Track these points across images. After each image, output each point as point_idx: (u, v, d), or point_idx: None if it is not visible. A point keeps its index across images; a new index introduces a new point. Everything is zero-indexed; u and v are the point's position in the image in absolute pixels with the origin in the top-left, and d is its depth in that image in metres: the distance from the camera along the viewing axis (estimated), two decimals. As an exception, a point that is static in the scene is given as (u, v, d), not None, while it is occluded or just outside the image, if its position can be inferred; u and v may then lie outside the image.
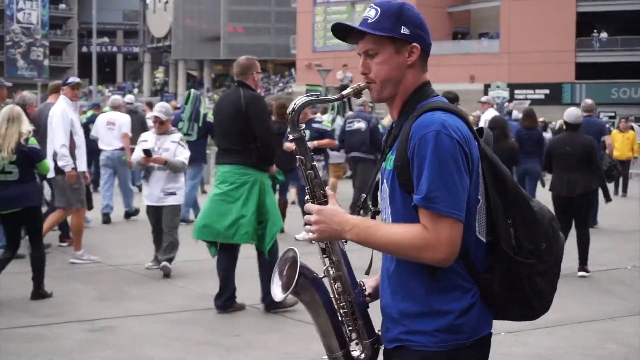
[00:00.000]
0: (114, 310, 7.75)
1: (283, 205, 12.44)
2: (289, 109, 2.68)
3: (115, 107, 14.11)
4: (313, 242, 2.68)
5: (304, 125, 2.70)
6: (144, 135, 9.72)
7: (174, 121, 14.84)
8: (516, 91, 44.96)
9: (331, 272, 2.71)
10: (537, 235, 2.64)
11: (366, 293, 2.77)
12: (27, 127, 7.99)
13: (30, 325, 7.21)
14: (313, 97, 2.74)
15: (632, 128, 20.67)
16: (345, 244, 2.72)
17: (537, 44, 47.27)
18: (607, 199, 11.21)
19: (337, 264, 2.71)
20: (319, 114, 15.98)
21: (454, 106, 2.62)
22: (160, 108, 9.45)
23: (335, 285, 2.71)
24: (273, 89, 64.83)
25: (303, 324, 7.09)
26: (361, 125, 13.46)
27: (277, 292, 2.72)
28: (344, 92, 2.72)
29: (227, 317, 7.53)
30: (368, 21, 2.65)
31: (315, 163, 2.70)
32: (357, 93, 2.72)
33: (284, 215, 12.18)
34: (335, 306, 2.72)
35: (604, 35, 49.28)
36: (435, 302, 2.56)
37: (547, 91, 47.62)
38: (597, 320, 7.71)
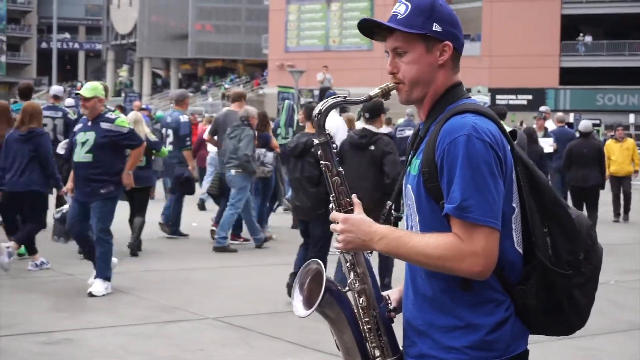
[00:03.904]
0: (71, 322, 7.72)
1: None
2: (315, 112, 2.61)
3: None
4: (339, 252, 2.63)
5: (330, 130, 2.62)
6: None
7: (273, 128, 15.40)
8: (497, 97, 45.15)
9: (355, 286, 2.63)
10: (576, 245, 2.57)
11: (391, 307, 2.70)
12: (147, 127, 11.67)
13: (-18, 337, 7.17)
14: (340, 99, 2.65)
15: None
16: (370, 255, 2.66)
17: (520, 48, 47.56)
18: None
19: (362, 276, 2.63)
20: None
21: (486, 108, 2.57)
22: None
23: (360, 300, 2.63)
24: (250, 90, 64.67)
25: (268, 337, 7.12)
26: (410, 133, 13.88)
27: (299, 308, 2.62)
28: (371, 93, 2.64)
29: (191, 330, 7.53)
30: (397, 17, 2.58)
31: (341, 169, 2.63)
32: (385, 94, 2.64)
33: None
34: (360, 322, 2.63)
35: (588, 39, 49.64)
36: (467, 316, 2.50)
37: (529, 97, 47.87)
38: (577, 338, 7.77)
